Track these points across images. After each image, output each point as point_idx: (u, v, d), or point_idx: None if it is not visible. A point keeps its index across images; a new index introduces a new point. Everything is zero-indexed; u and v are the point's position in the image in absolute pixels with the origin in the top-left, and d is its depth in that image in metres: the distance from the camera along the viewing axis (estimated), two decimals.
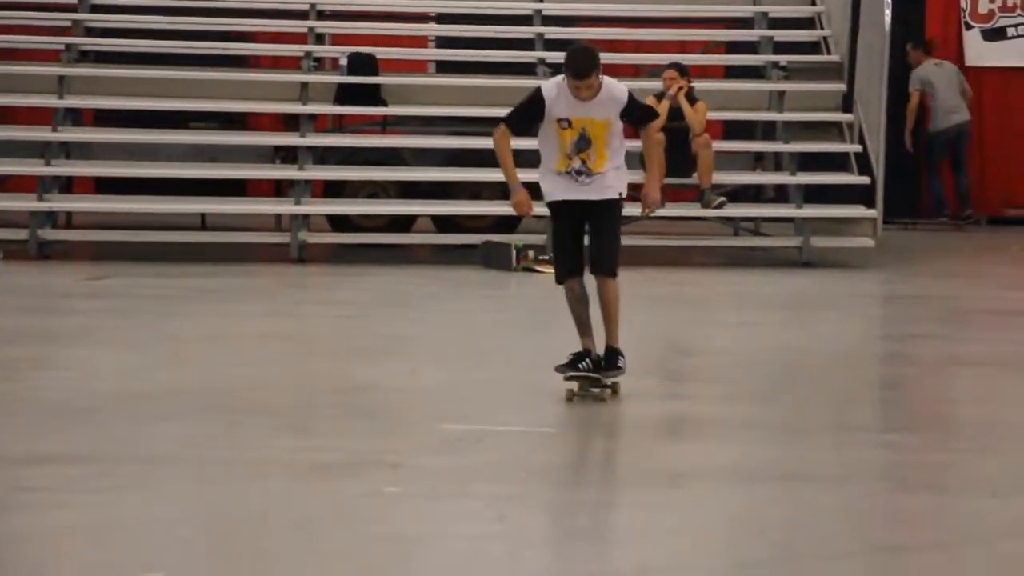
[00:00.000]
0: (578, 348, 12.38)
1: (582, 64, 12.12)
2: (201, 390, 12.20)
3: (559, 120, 12.27)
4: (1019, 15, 25.40)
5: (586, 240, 12.53)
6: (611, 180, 12.46)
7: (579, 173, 12.41)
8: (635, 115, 12.50)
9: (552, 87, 12.34)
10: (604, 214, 12.37)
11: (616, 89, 12.29)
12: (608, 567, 8.39)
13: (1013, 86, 25.44)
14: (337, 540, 8.54)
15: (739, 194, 21.23)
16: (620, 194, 12.44)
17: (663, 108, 20.28)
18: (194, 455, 10.52)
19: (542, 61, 21.78)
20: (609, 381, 12.32)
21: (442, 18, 23.16)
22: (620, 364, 12.34)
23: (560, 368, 12.19)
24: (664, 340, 15.95)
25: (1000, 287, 19.74)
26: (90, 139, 21.52)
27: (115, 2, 22.74)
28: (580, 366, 12.25)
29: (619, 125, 12.36)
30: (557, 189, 12.34)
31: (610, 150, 12.39)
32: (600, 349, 12.41)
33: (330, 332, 15.77)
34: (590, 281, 12.27)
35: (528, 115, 12.34)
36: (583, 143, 12.39)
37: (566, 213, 12.37)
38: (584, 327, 12.27)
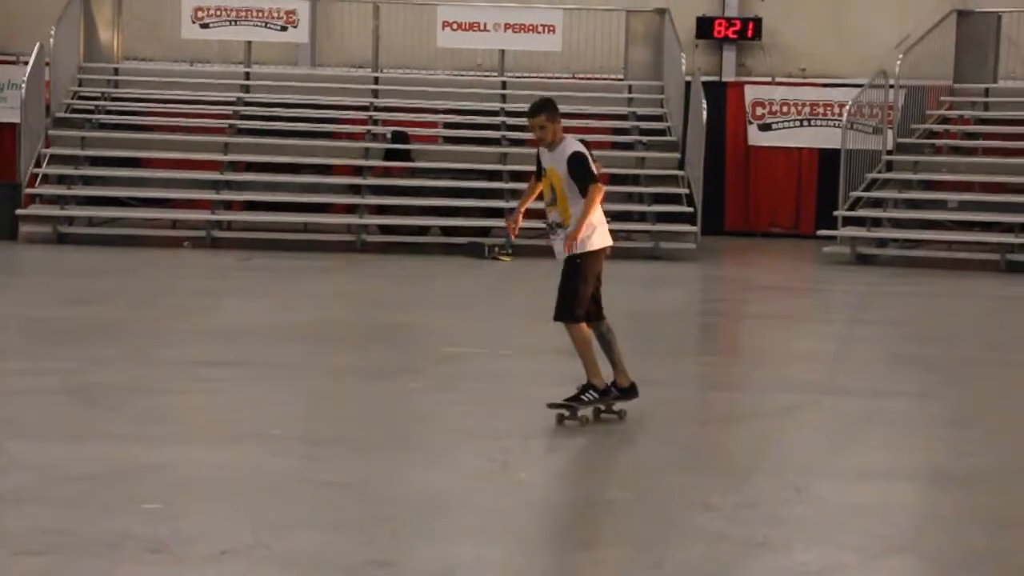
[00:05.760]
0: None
1: (532, 105, 8.48)
2: (305, 324, 12.44)
3: (539, 169, 8.59)
4: (779, 118, 25.90)
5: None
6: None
7: (556, 226, 8.52)
8: (574, 173, 8.34)
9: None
10: (564, 265, 8.53)
11: (570, 146, 8.41)
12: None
13: (775, 155, 25.93)
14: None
15: (620, 216, 21.43)
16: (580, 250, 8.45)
17: None
18: (295, 362, 10.69)
19: (504, 139, 21.93)
20: (580, 411, 8.50)
21: (447, 111, 23.35)
22: (583, 397, 8.48)
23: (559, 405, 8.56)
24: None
25: (710, 274, 20.00)
26: (243, 179, 21.56)
27: (260, 99, 22.72)
28: (583, 397, 8.50)
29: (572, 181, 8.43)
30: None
31: (572, 205, 8.42)
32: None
33: (381, 291, 16.04)
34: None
35: (537, 163, 8.62)
36: (552, 195, 8.49)
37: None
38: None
